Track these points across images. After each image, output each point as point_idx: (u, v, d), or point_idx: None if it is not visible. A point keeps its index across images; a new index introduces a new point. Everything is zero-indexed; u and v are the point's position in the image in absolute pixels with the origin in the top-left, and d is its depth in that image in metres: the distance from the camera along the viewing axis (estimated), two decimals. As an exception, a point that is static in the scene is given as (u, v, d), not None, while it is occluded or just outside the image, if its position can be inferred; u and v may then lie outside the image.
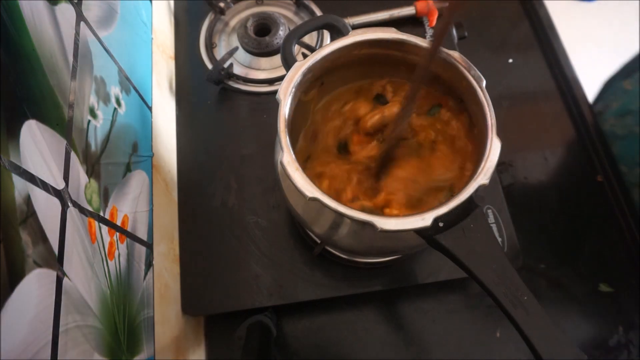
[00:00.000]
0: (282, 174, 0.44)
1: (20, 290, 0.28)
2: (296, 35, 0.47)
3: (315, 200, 0.37)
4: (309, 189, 0.37)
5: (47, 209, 0.32)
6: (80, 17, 0.43)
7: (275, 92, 0.41)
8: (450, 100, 0.49)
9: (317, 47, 0.68)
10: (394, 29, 0.45)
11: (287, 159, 0.38)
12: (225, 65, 0.67)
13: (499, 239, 0.59)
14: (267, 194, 0.61)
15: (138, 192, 0.50)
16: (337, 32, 0.46)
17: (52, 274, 0.31)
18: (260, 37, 0.68)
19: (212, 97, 0.68)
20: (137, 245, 0.47)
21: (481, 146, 0.41)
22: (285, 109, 0.40)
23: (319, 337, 0.59)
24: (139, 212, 0.49)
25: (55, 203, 0.33)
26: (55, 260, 0.32)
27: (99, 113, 0.44)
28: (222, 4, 0.72)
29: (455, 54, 0.43)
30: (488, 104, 0.41)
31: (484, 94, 0.42)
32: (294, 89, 0.42)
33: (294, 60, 0.44)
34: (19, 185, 0.29)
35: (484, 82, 0.42)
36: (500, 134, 0.40)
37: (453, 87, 0.46)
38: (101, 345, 0.37)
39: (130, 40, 0.56)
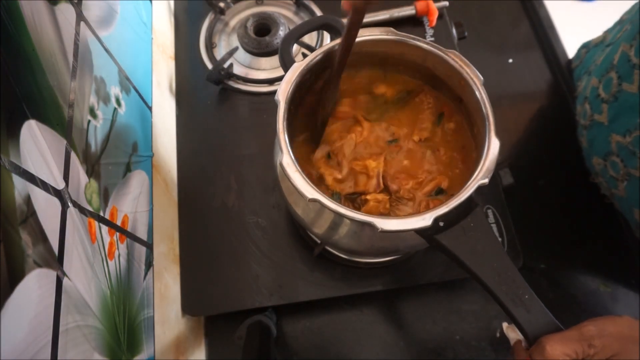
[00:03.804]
0: (281, 175, 0.44)
1: (20, 290, 0.28)
2: (293, 36, 0.47)
3: (315, 201, 0.37)
4: (309, 190, 0.37)
5: (47, 209, 0.32)
6: (80, 17, 0.43)
7: (275, 92, 0.41)
8: (449, 100, 0.49)
9: (317, 47, 0.68)
10: (391, 29, 0.45)
11: (287, 160, 0.38)
12: (225, 65, 0.67)
13: (499, 239, 0.59)
14: (267, 194, 0.61)
15: (138, 192, 0.50)
16: (335, 33, 0.46)
17: (52, 274, 0.31)
18: (260, 37, 0.68)
19: (212, 97, 0.68)
20: (137, 245, 0.47)
21: (480, 146, 0.41)
22: (284, 110, 0.40)
23: (319, 337, 0.59)
24: (139, 212, 0.49)
25: (55, 203, 0.33)
26: (55, 260, 0.32)
27: (99, 113, 0.43)
28: (222, 4, 0.72)
29: (453, 54, 0.43)
30: (487, 103, 0.41)
31: (482, 93, 0.42)
32: (292, 90, 0.42)
33: (292, 62, 0.44)
34: (19, 185, 0.29)
35: (482, 81, 0.42)
36: (500, 133, 0.40)
37: (452, 87, 0.46)
38: (101, 345, 0.37)
39: (130, 40, 0.56)
